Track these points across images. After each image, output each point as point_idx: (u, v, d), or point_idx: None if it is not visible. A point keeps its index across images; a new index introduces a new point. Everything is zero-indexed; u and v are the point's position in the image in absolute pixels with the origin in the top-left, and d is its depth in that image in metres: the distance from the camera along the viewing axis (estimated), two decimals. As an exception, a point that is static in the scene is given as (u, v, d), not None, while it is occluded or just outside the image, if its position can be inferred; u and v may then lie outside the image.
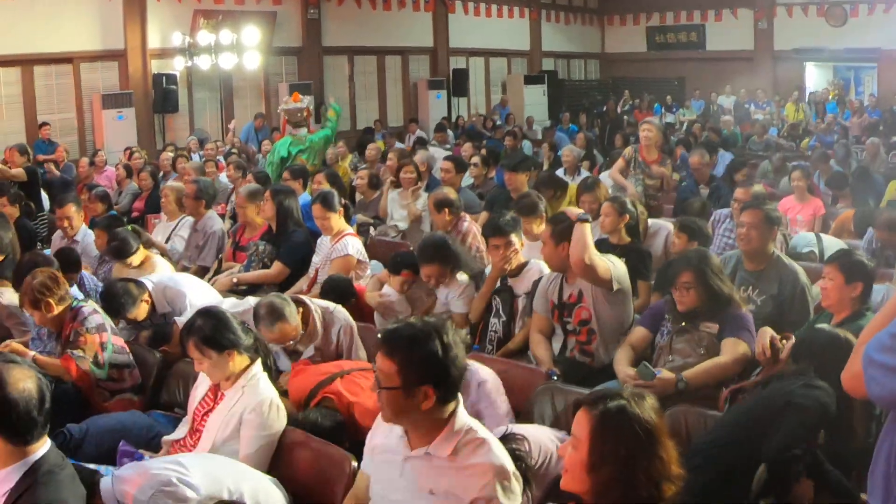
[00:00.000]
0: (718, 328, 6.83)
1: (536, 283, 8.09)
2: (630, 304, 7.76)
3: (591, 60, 41.31)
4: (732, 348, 6.70)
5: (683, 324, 6.99)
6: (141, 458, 5.91)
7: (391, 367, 4.36)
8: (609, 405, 3.87)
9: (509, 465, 4.41)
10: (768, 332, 6.55)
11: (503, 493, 4.32)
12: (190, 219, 11.98)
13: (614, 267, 7.45)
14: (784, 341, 6.41)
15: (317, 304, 7.64)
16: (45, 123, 22.27)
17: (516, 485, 4.40)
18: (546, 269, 8.12)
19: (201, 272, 10.94)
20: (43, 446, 4.30)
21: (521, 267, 8.41)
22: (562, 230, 7.58)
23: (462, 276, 8.53)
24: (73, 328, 7.45)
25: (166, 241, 11.85)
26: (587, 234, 7.27)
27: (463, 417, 4.52)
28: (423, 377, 4.33)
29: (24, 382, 4.22)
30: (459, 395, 4.57)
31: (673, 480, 3.84)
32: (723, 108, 31.83)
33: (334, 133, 15.20)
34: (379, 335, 4.60)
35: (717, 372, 6.64)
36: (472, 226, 10.20)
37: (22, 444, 4.22)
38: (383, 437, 4.77)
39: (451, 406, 4.49)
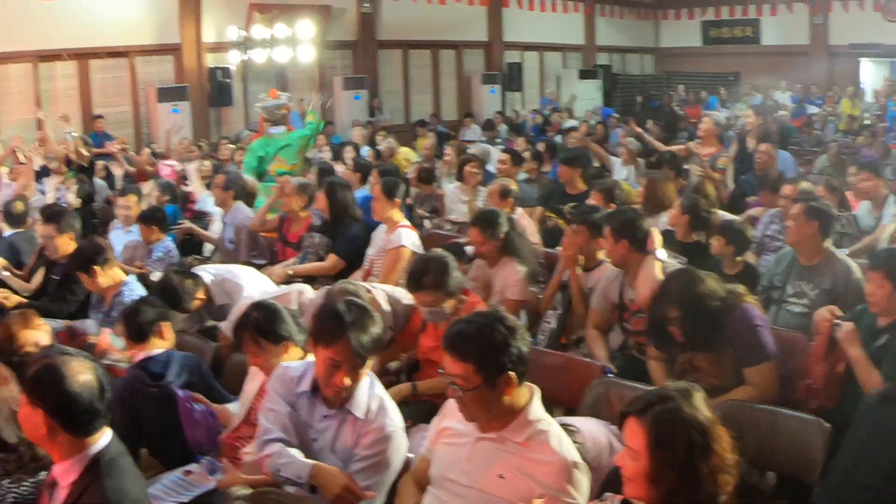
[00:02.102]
0: (731, 349, 6.47)
1: None
2: None
3: (646, 55, 41.12)
4: (761, 380, 6.37)
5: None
6: (199, 459, 5.95)
7: (468, 368, 4.40)
8: (659, 409, 3.83)
9: (578, 459, 4.43)
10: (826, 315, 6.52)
11: (573, 488, 4.33)
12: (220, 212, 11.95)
13: None
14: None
15: (380, 288, 7.68)
16: (98, 116, 22.47)
17: (584, 479, 4.41)
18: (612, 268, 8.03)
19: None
20: (104, 436, 4.31)
21: (597, 263, 8.34)
22: (621, 226, 7.52)
23: (519, 266, 8.47)
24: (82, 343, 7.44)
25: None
26: (657, 270, 7.17)
27: (537, 409, 4.55)
28: (501, 365, 4.38)
29: (84, 374, 4.23)
30: (536, 387, 4.60)
31: (729, 471, 3.81)
32: (778, 104, 31.54)
33: (314, 134, 14.86)
34: (443, 342, 4.56)
35: (748, 400, 6.29)
36: (521, 219, 10.19)
37: (84, 436, 4.23)
38: (454, 421, 4.77)
39: (525, 395, 4.53)
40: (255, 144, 14.90)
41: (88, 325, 7.53)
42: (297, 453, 5.10)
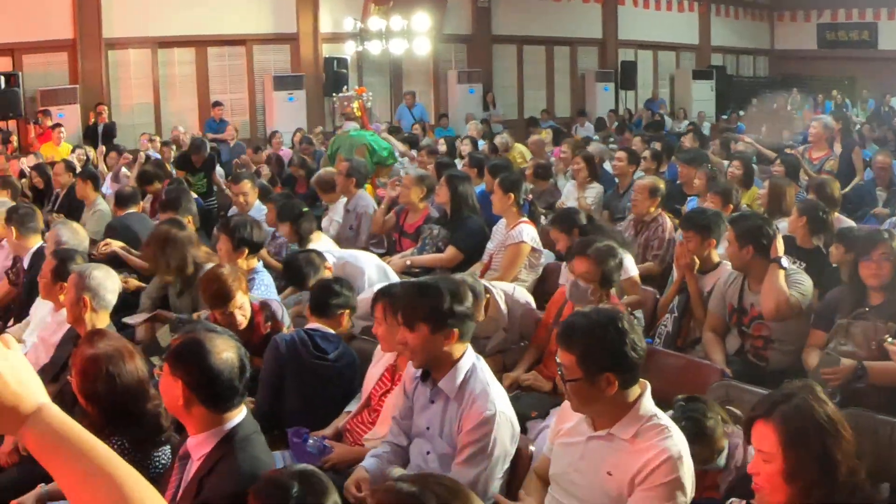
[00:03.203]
0: None
1: None
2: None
3: (760, 56, 40.64)
4: None
5: (866, 309, 6.72)
6: (307, 438, 5.96)
7: (571, 359, 4.43)
8: (786, 408, 3.82)
9: (686, 459, 4.38)
10: None
11: (671, 483, 4.29)
12: (342, 200, 12.02)
13: (803, 293, 7.21)
14: None
15: (499, 286, 7.68)
16: (217, 103, 22.82)
17: (688, 477, 4.36)
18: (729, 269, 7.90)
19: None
20: (240, 413, 4.43)
21: (713, 266, 8.16)
22: (747, 231, 7.39)
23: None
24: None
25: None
26: (782, 281, 7.11)
27: (648, 404, 4.51)
28: (603, 365, 4.38)
29: (227, 352, 4.36)
30: (647, 382, 4.57)
31: (857, 457, 3.83)
32: (893, 110, 30.99)
33: (389, 156, 14.93)
34: (557, 328, 4.62)
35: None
36: (671, 224, 10.18)
37: (220, 412, 4.35)
38: (571, 421, 4.77)
39: (636, 391, 4.51)
40: (334, 139, 15.18)
41: (284, 308, 7.57)
42: (378, 457, 5.44)
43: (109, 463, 2.07)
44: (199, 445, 4.38)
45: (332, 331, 6.76)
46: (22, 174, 15.75)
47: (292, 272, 8.15)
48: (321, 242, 9.73)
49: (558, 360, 4.52)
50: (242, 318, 6.98)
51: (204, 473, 4.29)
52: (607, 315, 4.51)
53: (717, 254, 8.21)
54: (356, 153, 13.99)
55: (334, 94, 16.77)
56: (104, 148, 18.36)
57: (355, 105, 15.00)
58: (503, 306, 7.43)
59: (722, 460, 5.31)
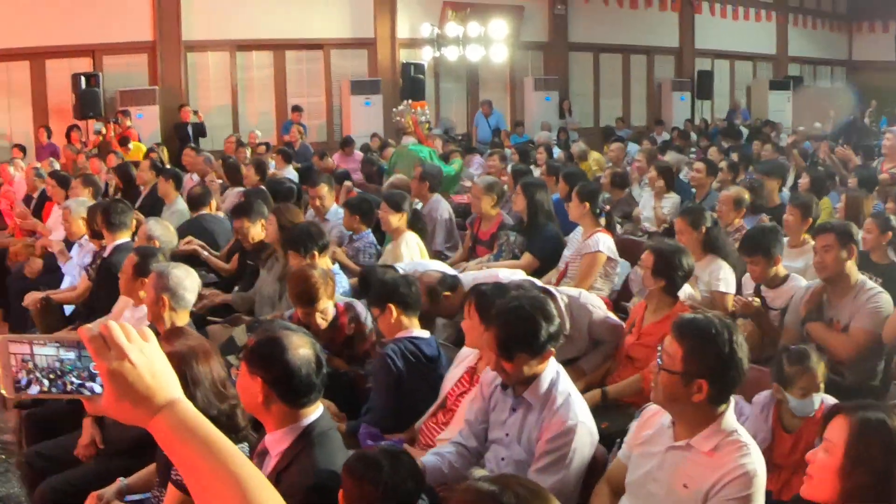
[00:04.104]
0: None
1: None
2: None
3: (838, 67, 40.23)
4: None
5: None
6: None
7: (677, 351, 4.42)
8: (866, 414, 3.81)
9: (761, 477, 4.35)
10: None
11: (744, 499, 4.27)
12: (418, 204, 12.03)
13: (880, 322, 7.07)
14: None
15: (563, 292, 7.60)
16: (297, 108, 23.02)
17: (760, 494, 4.33)
18: (803, 284, 7.79)
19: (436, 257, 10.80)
20: (316, 410, 4.52)
21: (781, 280, 8.02)
22: (846, 233, 7.34)
23: (724, 263, 8.46)
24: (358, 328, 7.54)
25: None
26: (828, 332, 7.15)
27: (731, 419, 4.50)
28: (703, 370, 4.36)
29: (304, 348, 4.45)
30: (733, 398, 4.55)
31: None
32: (975, 125, 30.49)
33: (451, 176, 14.89)
34: (675, 319, 4.70)
35: None
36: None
37: (298, 408, 4.44)
38: (651, 429, 4.77)
39: (723, 407, 4.48)
40: (393, 153, 15.36)
41: (368, 311, 7.61)
42: (439, 455, 5.46)
43: (235, 462, 2.18)
44: (277, 442, 4.46)
45: (427, 334, 6.75)
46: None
47: (366, 287, 8.13)
48: (410, 237, 9.95)
49: (663, 347, 4.52)
50: (322, 322, 7.01)
51: (282, 469, 4.38)
52: (727, 325, 4.49)
53: (783, 267, 8.11)
54: (415, 168, 14.03)
55: (394, 109, 16.85)
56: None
57: (407, 119, 15.02)
58: (564, 312, 7.37)
59: (818, 398, 5.50)
